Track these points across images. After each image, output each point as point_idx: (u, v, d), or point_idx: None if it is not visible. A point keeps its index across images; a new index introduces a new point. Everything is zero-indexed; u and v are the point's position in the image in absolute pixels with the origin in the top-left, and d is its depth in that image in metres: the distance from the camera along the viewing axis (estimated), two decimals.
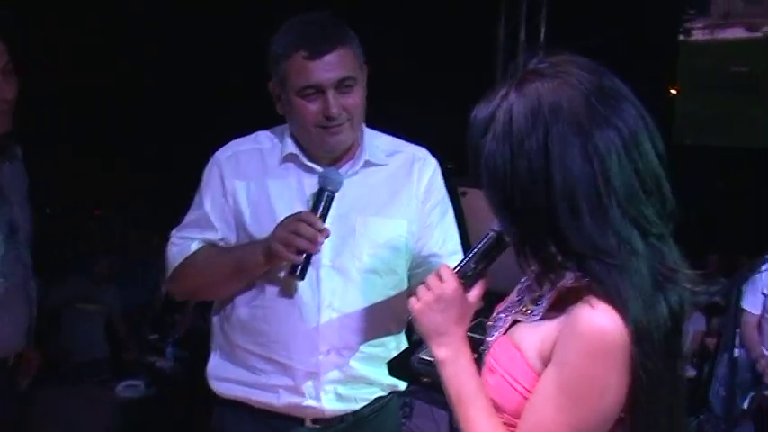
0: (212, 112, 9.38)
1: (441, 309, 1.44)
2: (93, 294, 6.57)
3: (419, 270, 2.22)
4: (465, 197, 1.97)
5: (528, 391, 1.33)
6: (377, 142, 2.24)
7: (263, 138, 2.25)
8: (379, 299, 2.16)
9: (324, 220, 2.03)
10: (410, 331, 2.20)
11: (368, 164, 2.19)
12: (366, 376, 2.20)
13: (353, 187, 2.14)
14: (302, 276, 2.04)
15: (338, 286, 2.13)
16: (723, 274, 8.23)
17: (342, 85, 2.05)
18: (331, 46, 2.03)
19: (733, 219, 9.29)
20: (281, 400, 2.17)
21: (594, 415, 1.27)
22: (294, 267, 2.03)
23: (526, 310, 1.42)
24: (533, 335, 1.35)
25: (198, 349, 5.43)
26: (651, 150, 1.27)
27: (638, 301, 1.23)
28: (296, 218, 2.02)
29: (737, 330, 3.60)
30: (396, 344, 2.27)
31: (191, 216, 2.25)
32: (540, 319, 1.37)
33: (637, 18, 6.58)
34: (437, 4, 7.87)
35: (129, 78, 10.05)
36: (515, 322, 1.43)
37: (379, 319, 2.18)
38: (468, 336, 1.50)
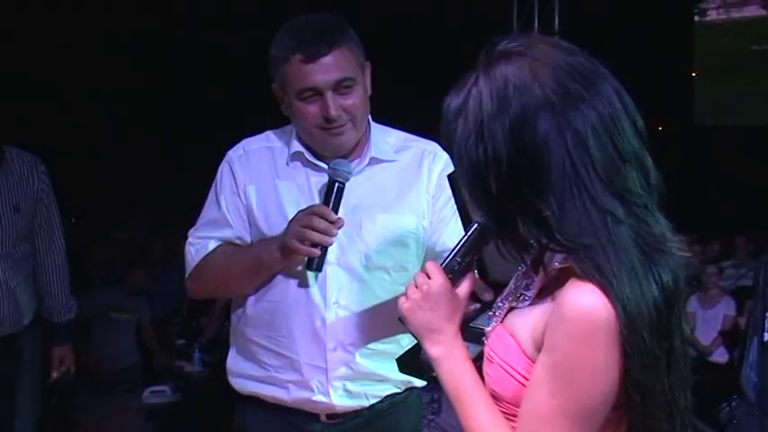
0: (226, 113, 9.40)
1: (429, 306, 1.42)
2: (125, 303, 6.61)
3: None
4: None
5: (525, 379, 1.31)
6: (386, 138, 2.24)
7: (273, 137, 2.28)
8: (389, 296, 2.15)
9: (336, 212, 2.05)
10: None
11: (374, 160, 2.19)
12: (375, 373, 2.20)
13: (360, 184, 2.15)
14: (320, 269, 2.07)
15: (344, 284, 2.15)
16: (751, 255, 8.16)
17: (340, 87, 2.07)
18: (327, 48, 2.05)
19: (759, 199, 9.19)
20: (291, 395, 2.19)
21: (588, 397, 1.23)
22: (311, 261, 2.05)
23: (519, 297, 1.39)
24: (525, 321, 1.33)
25: (225, 353, 5.48)
26: (630, 125, 1.24)
27: (623, 278, 1.19)
28: (308, 211, 2.05)
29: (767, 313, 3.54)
30: (411, 340, 2.23)
31: (206, 215, 2.27)
32: (531, 304, 1.35)
33: (650, 2, 6.53)
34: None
35: (143, 88, 10.10)
36: (511, 309, 1.41)
37: (389, 316, 2.10)
38: (473, 327, 1.49)
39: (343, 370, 2.16)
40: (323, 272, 2.11)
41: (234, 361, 2.29)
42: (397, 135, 2.28)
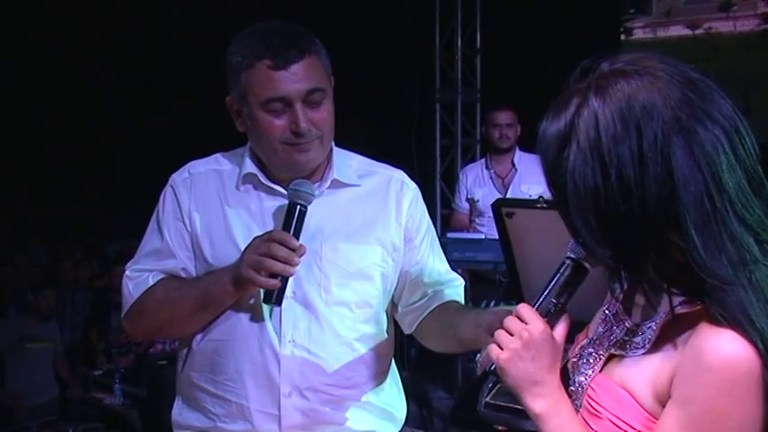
0: (137, 135, 9.10)
1: (531, 356, 1.29)
2: (39, 332, 6.26)
3: (422, 301, 2.06)
4: (511, 219, 1.81)
5: None
6: (349, 161, 2.05)
7: (223, 159, 2.07)
8: (351, 334, 1.98)
9: (297, 238, 1.84)
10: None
11: (337, 183, 2.00)
12: (336, 422, 1.99)
13: (320, 208, 1.94)
14: (279, 302, 1.86)
15: (301, 320, 1.94)
16: None
17: (310, 98, 1.87)
18: (299, 54, 1.86)
19: None
20: None
21: None
22: (269, 294, 1.84)
23: (624, 344, 1.28)
24: (641, 371, 1.24)
25: (150, 385, 5.23)
26: (752, 146, 1.14)
27: (765, 318, 1.11)
28: (266, 237, 1.85)
29: None
30: (377, 386, 2.06)
31: (147, 245, 2.05)
32: (646, 352, 1.24)
33: (576, 19, 6.56)
34: (366, 15, 7.75)
35: (46, 101, 9.68)
36: (610, 357, 1.29)
37: (351, 358, 1.98)
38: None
39: (298, 419, 1.95)
40: (274, 306, 1.91)
41: (179, 411, 2.07)
42: (360, 159, 2.10)
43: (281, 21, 1.94)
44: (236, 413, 1.96)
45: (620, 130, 1.12)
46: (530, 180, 5.37)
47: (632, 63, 1.18)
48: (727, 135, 1.13)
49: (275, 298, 1.86)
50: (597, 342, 1.35)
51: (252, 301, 1.94)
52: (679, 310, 1.20)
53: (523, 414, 1.53)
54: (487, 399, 1.72)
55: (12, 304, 6.79)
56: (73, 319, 7.30)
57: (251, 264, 1.82)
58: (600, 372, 1.31)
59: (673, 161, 1.10)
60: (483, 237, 4.93)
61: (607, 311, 1.37)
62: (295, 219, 1.87)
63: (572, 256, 1.33)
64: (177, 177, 2.06)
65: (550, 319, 1.33)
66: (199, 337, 2.00)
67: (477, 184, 5.58)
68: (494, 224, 5.35)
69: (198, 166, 2.07)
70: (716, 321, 1.13)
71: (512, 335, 1.31)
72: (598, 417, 1.27)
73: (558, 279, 1.34)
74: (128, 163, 9.04)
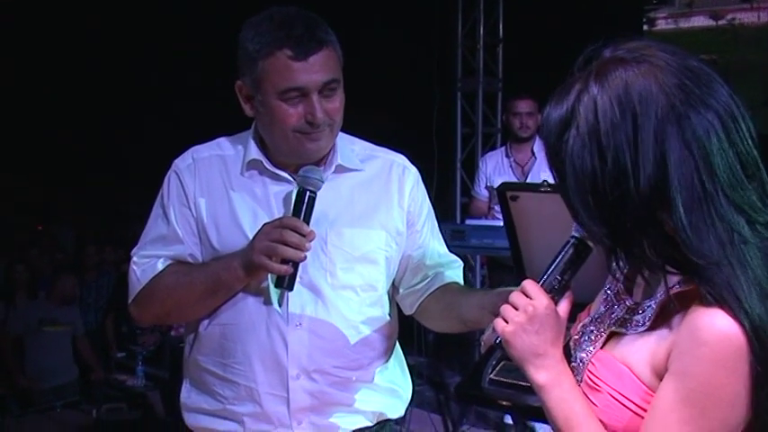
0: (162, 117, 9.15)
1: (536, 329, 1.33)
2: (58, 315, 6.34)
3: (423, 283, 2.10)
4: (515, 201, 1.86)
5: (640, 408, 1.25)
6: (351, 146, 2.08)
7: (226, 144, 2.08)
8: (357, 317, 2.01)
9: (307, 223, 1.87)
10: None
11: (341, 168, 2.03)
12: (343, 403, 2.03)
13: (324, 194, 1.96)
14: (291, 287, 1.88)
15: (308, 304, 1.97)
16: None
17: (326, 89, 1.89)
18: (318, 45, 1.88)
19: None
20: (246, 429, 2.00)
21: (723, 425, 1.19)
22: (281, 279, 1.87)
23: (624, 321, 1.32)
24: (640, 348, 1.28)
25: (172, 367, 5.30)
26: (747, 129, 1.19)
27: (755, 301, 1.15)
28: (278, 224, 1.87)
29: None
30: (382, 366, 2.09)
31: (153, 231, 2.06)
32: (646, 330, 1.28)
33: (599, 9, 6.55)
34: (389, 4, 7.76)
35: (68, 88, 9.75)
36: (611, 335, 1.34)
37: (357, 340, 2.01)
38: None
39: (307, 400, 1.98)
40: (284, 291, 1.94)
41: (187, 394, 2.11)
42: (362, 144, 2.13)
43: (296, 6, 1.95)
44: (245, 395, 1.99)
45: (618, 115, 1.18)
46: (549, 168, 5.38)
47: (632, 51, 1.22)
48: (721, 120, 1.17)
49: (287, 283, 1.88)
50: (599, 320, 1.39)
51: (259, 286, 1.96)
52: (676, 289, 1.24)
53: (526, 390, 1.59)
54: (491, 375, 1.75)
55: (39, 288, 6.86)
56: (97, 303, 7.38)
57: (263, 250, 1.85)
58: (601, 348, 1.35)
59: (666, 146, 1.15)
60: (501, 224, 4.94)
61: (609, 291, 1.41)
62: (305, 205, 1.89)
63: (576, 235, 1.38)
64: (181, 163, 2.06)
65: (554, 295, 1.37)
66: (206, 321, 2.02)
67: (497, 172, 5.59)
68: None
69: (201, 152, 2.08)
70: (706, 300, 1.17)
71: (517, 309, 1.35)
72: (598, 390, 1.30)
73: (563, 257, 1.39)
74: (146, 148, 9.14)
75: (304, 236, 1.86)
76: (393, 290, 2.14)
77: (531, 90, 5.71)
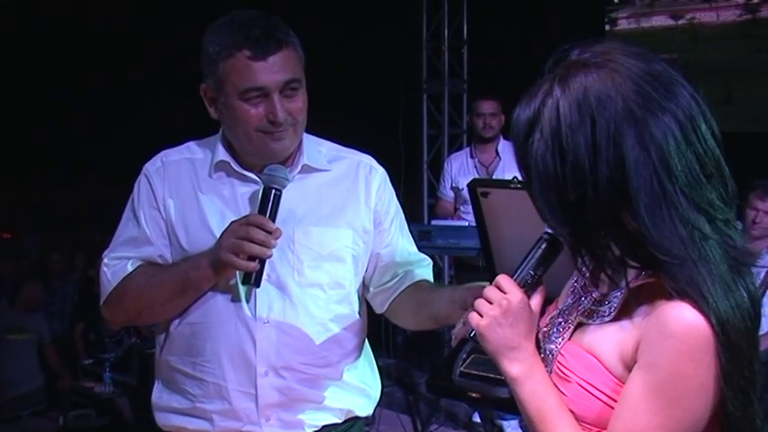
0: (132, 121, 9.09)
1: (509, 323, 1.36)
2: (23, 323, 6.28)
3: (393, 281, 2.13)
4: (486, 198, 1.90)
5: (609, 398, 1.29)
6: (318, 147, 2.11)
7: (195, 148, 2.12)
8: (324, 315, 2.04)
9: (273, 221, 1.90)
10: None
11: (308, 168, 2.06)
12: (312, 400, 2.06)
13: (291, 193, 2.00)
14: (258, 284, 1.92)
15: (276, 301, 2.00)
16: None
17: (287, 88, 1.93)
18: (277, 46, 1.91)
19: None
20: (215, 427, 2.03)
21: (692, 415, 1.23)
22: (248, 276, 1.90)
23: (591, 313, 1.36)
24: (607, 338, 1.31)
25: (140, 373, 5.27)
26: (708, 132, 1.22)
27: (718, 293, 1.19)
28: (244, 221, 1.90)
29: None
30: (351, 364, 2.13)
31: (123, 233, 2.09)
32: (612, 320, 1.32)
33: (561, 10, 6.62)
34: (353, 7, 7.78)
35: (33, 93, 9.65)
36: (579, 326, 1.37)
37: (325, 337, 2.04)
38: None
39: (275, 397, 2.01)
40: (249, 289, 1.97)
41: (159, 395, 2.14)
42: (329, 145, 2.16)
43: (256, 9, 1.98)
44: (214, 393, 2.02)
45: (577, 119, 1.21)
46: (514, 168, 5.28)
47: (596, 55, 1.26)
48: (678, 123, 1.20)
49: (253, 280, 1.92)
50: (566, 312, 1.42)
51: (228, 285, 1.99)
52: (639, 280, 1.28)
53: (497, 382, 1.62)
54: (462, 368, 1.78)
55: (2, 295, 6.78)
56: (63, 310, 7.31)
57: (230, 247, 1.88)
58: (569, 339, 1.38)
59: (623, 148, 1.19)
60: (467, 224, 4.98)
61: (576, 284, 1.44)
62: (270, 202, 1.93)
63: (549, 231, 1.40)
64: (150, 167, 2.10)
65: (528, 289, 1.40)
66: (176, 321, 2.05)
67: (461, 173, 5.62)
68: None
69: (171, 155, 2.11)
70: (670, 294, 1.21)
71: (491, 303, 1.38)
72: (568, 381, 1.34)
73: (536, 253, 1.42)
74: (115, 152, 9.06)
75: (270, 233, 1.88)
76: (363, 288, 2.17)
77: (496, 90, 5.76)
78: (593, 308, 1.37)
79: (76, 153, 9.95)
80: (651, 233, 1.20)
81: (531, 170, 1.27)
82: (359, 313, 2.14)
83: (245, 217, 1.93)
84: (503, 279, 1.40)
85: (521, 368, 1.35)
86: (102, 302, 2.09)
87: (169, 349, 2.08)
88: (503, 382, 1.43)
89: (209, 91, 1.99)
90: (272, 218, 1.92)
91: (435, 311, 1.98)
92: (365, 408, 2.16)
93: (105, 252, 2.10)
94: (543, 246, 1.42)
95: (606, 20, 7.24)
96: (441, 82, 7.64)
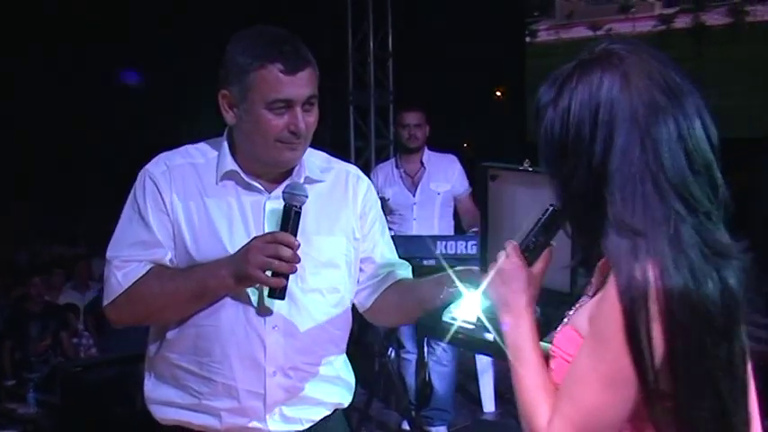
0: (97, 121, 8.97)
1: (501, 281, 1.55)
2: None
3: (376, 279, 2.28)
4: (494, 181, 2.02)
5: None
6: (312, 158, 2.23)
7: (195, 153, 2.21)
8: (323, 318, 2.18)
9: (295, 237, 2.02)
10: None
11: (308, 180, 2.17)
12: (312, 397, 2.20)
13: None
14: (283, 297, 2.04)
15: (283, 307, 2.11)
16: None
17: (307, 103, 2.08)
18: (305, 63, 2.06)
19: None
20: (224, 422, 2.13)
21: (620, 359, 1.27)
22: (272, 290, 2.03)
23: (581, 298, 1.50)
24: (584, 312, 1.42)
25: (63, 392, 5.18)
26: (702, 135, 1.31)
27: (685, 268, 1.25)
28: (270, 239, 2.01)
29: None
30: (340, 360, 2.28)
31: (131, 235, 2.14)
32: (593, 295, 1.44)
33: (482, 21, 6.73)
34: (279, 18, 7.80)
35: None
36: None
37: (323, 338, 2.19)
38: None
39: (281, 395, 2.14)
40: (260, 296, 2.09)
41: (153, 388, 2.21)
42: (319, 155, 2.28)
43: (276, 28, 2.13)
44: (223, 392, 2.12)
45: (584, 112, 1.33)
46: (438, 178, 5.49)
47: (624, 49, 1.36)
48: (678, 129, 1.29)
49: (279, 293, 2.03)
50: (577, 302, 1.53)
51: (238, 291, 2.09)
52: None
53: (481, 328, 1.85)
54: (444, 318, 2.01)
55: None
56: None
57: (260, 265, 1.97)
58: (567, 324, 1.49)
59: (620, 138, 1.30)
60: (392, 234, 5.01)
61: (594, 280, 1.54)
62: (292, 220, 2.03)
63: (554, 203, 1.53)
64: (155, 170, 2.15)
65: (529, 254, 1.57)
66: (183, 322, 2.12)
67: (387, 183, 5.63)
68: (404, 222, 5.51)
69: (174, 159, 2.18)
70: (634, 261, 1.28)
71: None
72: (554, 357, 1.45)
73: (540, 221, 1.58)
74: (38, 168, 8.91)
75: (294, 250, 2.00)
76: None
77: (422, 101, 5.80)
78: (583, 293, 1.50)
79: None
80: (621, 203, 1.29)
81: (540, 135, 1.41)
82: (349, 313, 2.29)
83: (270, 234, 2.03)
84: (507, 244, 1.57)
85: (509, 321, 1.52)
86: (108, 302, 2.15)
87: (170, 347, 2.15)
88: (486, 329, 1.73)
89: (231, 97, 2.08)
90: (294, 234, 2.02)
91: (422, 294, 2.14)
92: (347, 398, 2.32)
93: (111, 253, 2.15)
94: (547, 215, 1.57)
95: (526, 32, 7.39)
96: (367, 93, 7.69)
